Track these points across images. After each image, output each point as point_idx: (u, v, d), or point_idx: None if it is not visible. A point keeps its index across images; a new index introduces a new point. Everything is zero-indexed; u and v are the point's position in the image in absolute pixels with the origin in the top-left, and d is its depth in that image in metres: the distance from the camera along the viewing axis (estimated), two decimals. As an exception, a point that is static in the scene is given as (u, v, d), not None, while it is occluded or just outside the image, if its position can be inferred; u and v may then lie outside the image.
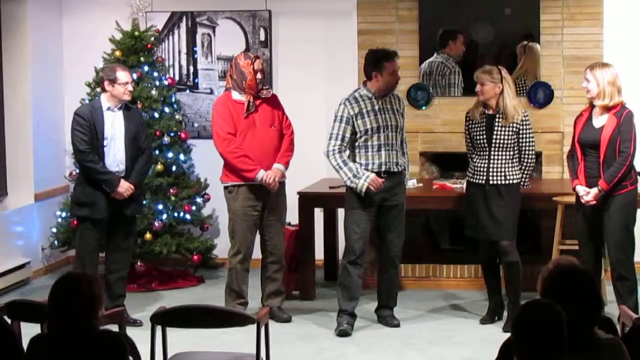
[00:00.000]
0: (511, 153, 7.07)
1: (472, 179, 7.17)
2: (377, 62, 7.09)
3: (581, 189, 6.82)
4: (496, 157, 7.05)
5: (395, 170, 7.14)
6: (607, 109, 6.76)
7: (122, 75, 7.12)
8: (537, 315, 3.68)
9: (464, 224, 7.28)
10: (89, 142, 7.02)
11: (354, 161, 7.10)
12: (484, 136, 7.06)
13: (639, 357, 4.02)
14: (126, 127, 7.14)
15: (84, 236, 7.17)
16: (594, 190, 6.74)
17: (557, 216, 7.61)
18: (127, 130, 7.14)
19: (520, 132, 7.05)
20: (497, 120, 7.04)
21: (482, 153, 7.10)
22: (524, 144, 7.08)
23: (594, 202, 6.75)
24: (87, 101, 8.25)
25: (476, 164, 7.13)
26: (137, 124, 7.27)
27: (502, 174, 7.06)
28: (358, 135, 7.08)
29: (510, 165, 7.07)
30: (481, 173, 7.09)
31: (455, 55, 8.91)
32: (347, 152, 7.11)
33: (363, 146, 7.09)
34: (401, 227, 7.25)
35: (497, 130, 7.03)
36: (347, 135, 7.09)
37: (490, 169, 7.06)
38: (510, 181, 7.07)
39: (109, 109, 7.12)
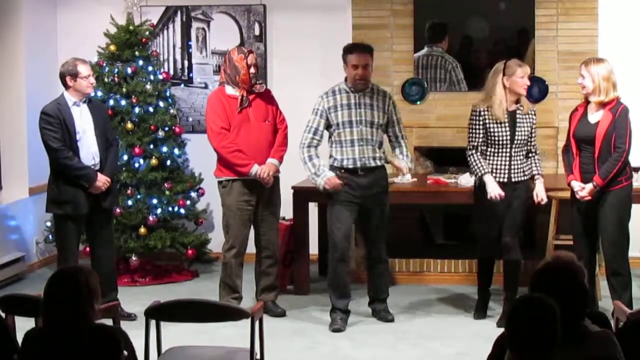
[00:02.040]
0: (526, 149, 7.05)
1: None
2: (343, 54, 7.13)
3: (576, 185, 6.82)
4: (516, 154, 6.99)
5: (373, 165, 7.11)
6: (602, 104, 6.75)
7: (83, 68, 7.06)
8: (531, 310, 3.69)
9: (473, 218, 7.18)
10: (61, 139, 6.94)
11: (331, 156, 7.11)
12: (508, 134, 6.96)
13: (633, 352, 4.02)
14: (94, 120, 7.10)
15: (67, 233, 7.09)
16: (589, 186, 6.74)
17: (552, 211, 7.61)
18: (95, 123, 7.10)
19: (534, 121, 7.03)
20: (517, 115, 6.99)
21: (503, 151, 6.98)
22: (534, 134, 7.04)
23: (589, 197, 6.75)
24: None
25: (496, 162, 7.00)
26: (103, 116, 7.26)
27: (522, 170, 7.02)
28: (332, 129, 7.09)
29: (526, 161, 7.06)
30: (503, 171, 6.98)
31: (446, 49, 8.89)
32: (319, 145, 7.10)
33: (337, 140, 7.09)
34: (383, 223, 7.22)
35: (520, 125, 6.96)
36: (320, 128, 7.09)
37: (512, 167, 6.99)
38: (527, 177, 7.06)
39: (74, 103, 7.05)
